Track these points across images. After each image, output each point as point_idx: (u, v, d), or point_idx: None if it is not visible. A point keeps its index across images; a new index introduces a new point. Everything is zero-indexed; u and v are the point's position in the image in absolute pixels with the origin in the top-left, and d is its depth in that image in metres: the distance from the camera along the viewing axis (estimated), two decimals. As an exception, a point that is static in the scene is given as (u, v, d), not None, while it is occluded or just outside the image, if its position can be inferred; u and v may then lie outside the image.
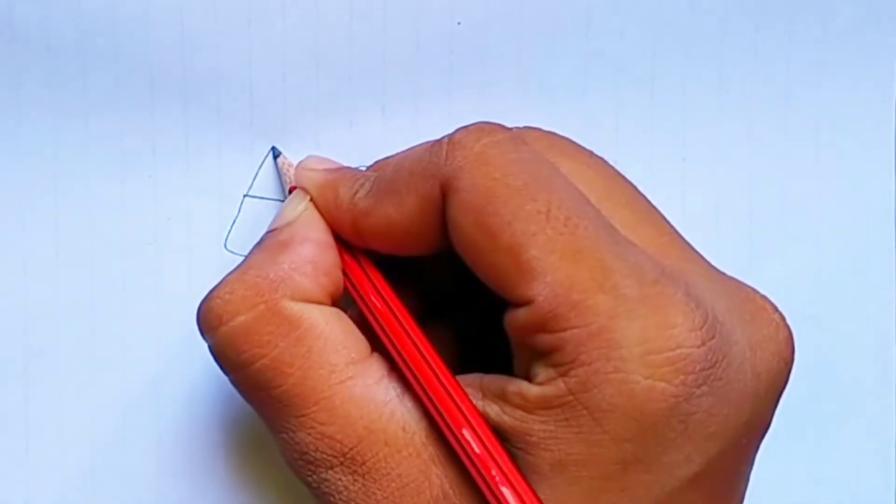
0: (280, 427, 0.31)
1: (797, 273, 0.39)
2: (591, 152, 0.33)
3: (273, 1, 0.35)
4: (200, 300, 0.31)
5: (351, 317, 0.32)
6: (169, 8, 0.35)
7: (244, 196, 0.36)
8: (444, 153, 0.30)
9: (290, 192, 0.34)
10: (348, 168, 0.34)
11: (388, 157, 0.35)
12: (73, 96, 0.35)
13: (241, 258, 0.36)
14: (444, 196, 0.30)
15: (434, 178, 0.30)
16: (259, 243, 0.33)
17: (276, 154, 0.36)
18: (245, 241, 0.36)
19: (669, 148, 0.38)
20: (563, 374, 0.28)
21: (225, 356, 0.31)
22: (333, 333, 0.31)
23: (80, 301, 0.36)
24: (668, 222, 0.32)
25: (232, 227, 0.36)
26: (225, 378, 0.36)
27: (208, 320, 0.31)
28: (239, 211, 0.36)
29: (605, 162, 0.33)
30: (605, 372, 0.28)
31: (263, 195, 0.36)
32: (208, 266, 0.36)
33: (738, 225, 0.39)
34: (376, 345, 0.31)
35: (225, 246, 0.36)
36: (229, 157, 0.36)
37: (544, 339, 0.28)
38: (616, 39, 0.37)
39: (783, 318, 0.31)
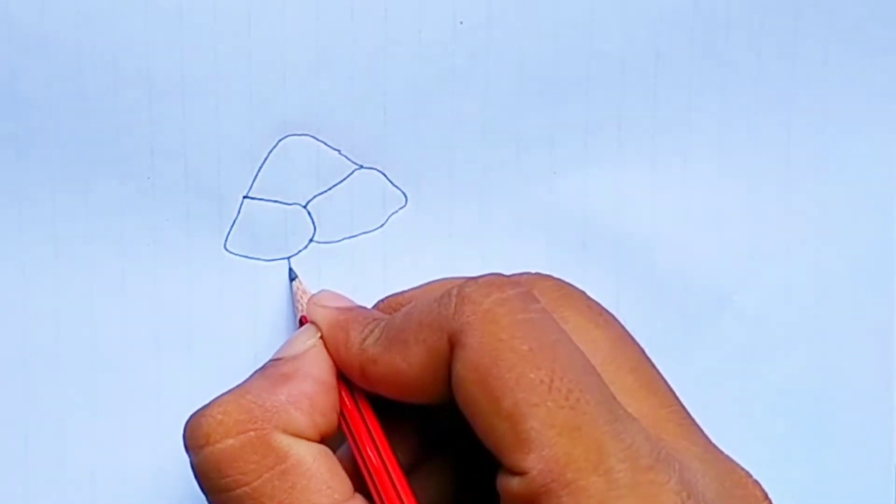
0: None
1: (799, 274, 0.39)
2: (601, 309, 0.33)
3: (273, 1, 0.35)
4: (190, 414, 0.31)
5: (338, 454, 0.31)
6: (168, 8, 0.34)
7: (243, 197, 0.36)
8: (452, 306, 0.30)
9: (301, 320, 0.34)
10: (360, 309, 0.34)
11: (396, 294, 0.35)
12: (71, 96, 0.35)
13: (241, 259, 0.36)
14: (451, 349, 0.30)
15: (442, 331, 0.30)
16: (262, 369, 0.32)
17: (291, 277, 0.36)
18: (244, 242, 0.36)
19: (672, 149, 0.38)
20: None
21: (207, 477, 0.30)
22: (319, 472, 0.30)
23: (80, 302, 0.36)
24: (670, 391, 0.32)
25: (231, 228, 0.36)
26: (230, 378, 0.36)
27: (196, 437, 0.31)
28: (238, 212, 0.36)
29: (614, 320, 0.32)
30: None
31: (263, 196, 0.36)
32: (207, 267, 0.36)
33: (740, 226, 0.39)
34: (359, 486, 0.31)
35: (224, 247, 0.36)
36: (228, 157, 0.36)
37: None
38: (619, 40, 0.37)
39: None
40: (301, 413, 0.31)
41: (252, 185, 0.36)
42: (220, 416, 0.30)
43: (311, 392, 0.32)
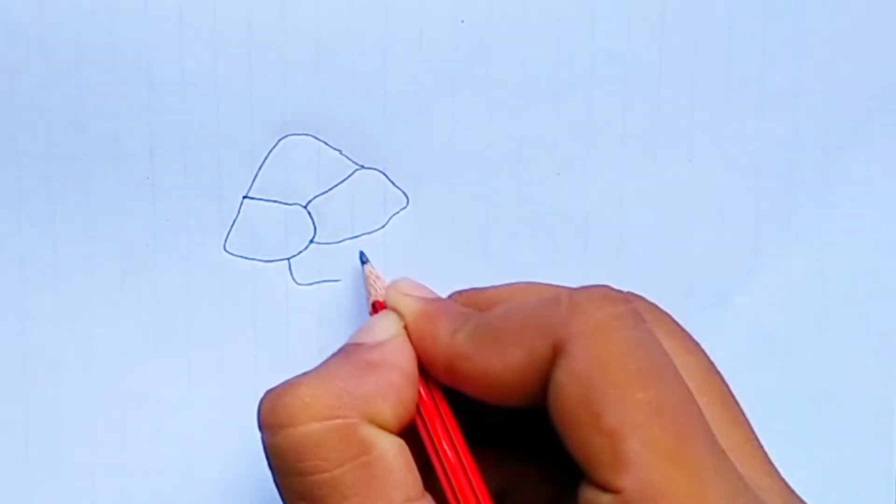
0: None
1: (803, 273, 0.39)
2: (689, 335, 0.32)
3: (273, 1, 0.35)
4: (267, 390, 0.30)
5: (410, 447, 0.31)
6: (168, 8, 0.34)
7: (243, 198, 0.36)
8: (563, 312, 0.29)
9: (374, 305, 0.34)
10: (446, 300, 0.33)
11: (475, 290, 0.34)
12: (71, 97, 0.34)
13: (240, 259, 0.36)
14: (554, 356, 0.29)
15: (548, 336, 0.29)
16: (344, 353, 0.31)
17: (363, 260, 0.36)
18: (244, 242, 0.36)
19: (676, 148, 0.38)
20: None
21: (283, 458, 0.29)
22: (398, 467, 0.29)
23: (79, 302, 0.36)
24: (751, 426, 0.31)
25: (231, 228, 0.36)
26: (230, 378, 0.36)
27: (278, 416, 0.29)
28: (238, 212, 0.36)
29: (702, 349, 0.32)
30: None
31: (263, 196, 0.36)
32: (207, 268, 0.36)
33: (744, 225, 0.38)
34: (429, 483, 0.30)
35: (224, 248, 0.36)
36: (228, 158, 0.36)
37: None
38: (623, 38, 0.37)
39: None
40: (387, 404, 0.30)
41: (252, 185, 0.36)
42: (307, 399, 0.29)
43: (398, 384, 0.31)
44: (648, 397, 0.28)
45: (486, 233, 0.37)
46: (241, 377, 0.36)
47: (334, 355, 0.31)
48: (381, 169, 0.36)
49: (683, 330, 0.32)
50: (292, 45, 0.35)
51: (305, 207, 0.36)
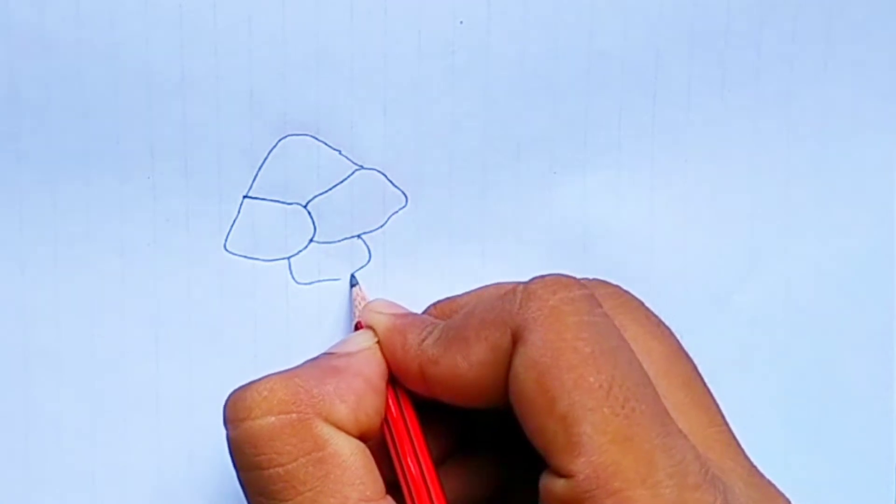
0: None
1: (798, 273, 0.39)
2: (658, 321, 0.33)
3: (273, 1, 0.35)
4: (232, 390, 0.31)
5: (371, 450, 0.31)
6: (168, 8, 0.34)
7: (243, 197, 0.36)
8: (517, 301, 0.30)
9: (356, 326, 0.35)
10: (416, 315, 0.34)
11: (448, 299, 0.35)
12: (72, 96, 0.35)
13: (241, 259, 0.36)
14: (513, 346, 0.29)
15: (505, 327, 0.30)
16: (313, 360, 0.32)
17: (353, 283, 0.36)
18: (244, 241, 0.36)
19: (672, 148, 0.38)
20: None
21: (241, 452, 0.30)
22: (354, 466, 0.30)
23: (80, 302, 0.36)
24: (718, 410, 0.32)
25: (231, 228, 0.36)
26: (230, 378, 0.36)
27: (236, 410, 0.30)
28: (238, 212, 0.36)
29: (671, 333, 0.32)
30: None
31: (263, 196, 0.36)
32: (207, 267, 0.36)
33: (740, 226, 0.39)
34: (392, 493, 0.31)
35: (224, 247, 0.36)
36: (228, 157, 0.36)
37: None
38: (619, 39, 0.37)
39: None
40: (346, 406, 0.31)
41: (252, 184, 0.36)
42: (265, 393, 0.30)
43: (360, 389, 0.31)
44: (600, 381, 0.28)
45: (484, 232, 0.37)
46: (240, 376, 0.36)
47: (305, 362, 0.32)
48: (381, 169, 0.36)
49: (652, 315, 0.33)
50: (292, 45, 0.35)
51: (305, 207, 0.36)
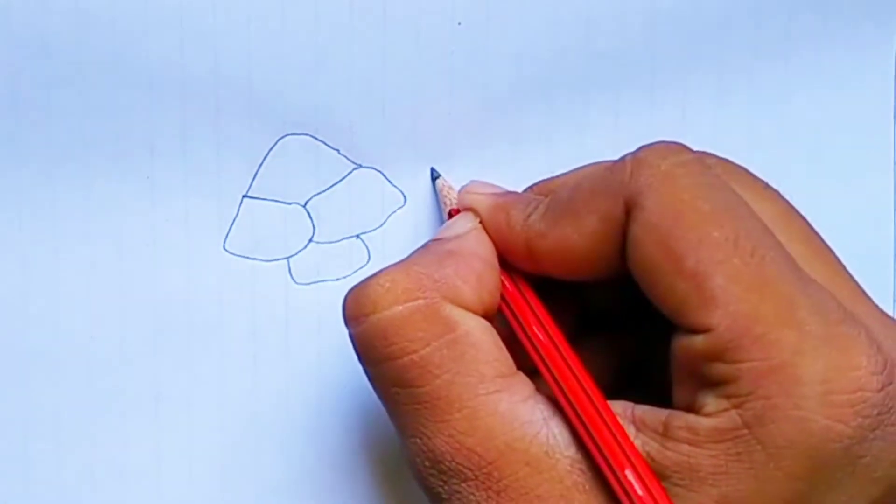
0: (414, 430, 0.30)
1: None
2: (765, 183, 0.32)
3: (273, 1, 0.35)
4: (350, 288, 0.30)
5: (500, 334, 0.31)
6: (168, 8, 0.35)
7: (243, 197, 0.36)
8: (628, 171, 0.30)
9: (450, 214, 0.34)
10: (516, 192, 0.34)
11: (548, 179, 0.34)
12: (71, 97, 0.35)
13: (240, 258, 0.36)
14: (627, 214, 0.29)
15: (618, 196, 0.29)
16: (423, 247, 0.32)
17: (434, 176, 0.36)
18: (244, 241, 0.36)
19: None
20: (738, 406, 0.27)
21: (371, 346, 0.30)
22: (486, 344, 0.30)
23: (79, 302, 0.35)
24: (840, 262, 0.31)
25: (231, 227, 0.36)
26: (230, 378, 0.36)
27: (362, 305, 0.30)
28: (238, 212, 0.36)
29: (780, 194, 0.32)
30: (785, 408, 0.27)
31: (262, 196, 0.36)
32: (207, 267, 0.36)
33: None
34: (522, 366, 0.31)
35: (224, 247, 0.36)
36: (228, 157, 0.36)
37: (719, 369, 0.28)
38: (616, 40, 0.37)
39: None
40: (468, 286, 0.31)
41: (251, 184, 0.36)
42: (387, 284, 0.30)
43: (478, 268, 0.31)
44: (725, 234, 0.28)
45: (483, 231, 0.37)
46: (240, 376, 0.36)
47: (414, 252, 0.32)
48: (379, 168, 0.37)
49: (759, 180, 0.32)
50: (292, 45, 0.35)
51: (304, 206, 0.36)
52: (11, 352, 0.35)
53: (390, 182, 0.37)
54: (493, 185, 0.34)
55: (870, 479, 0.28)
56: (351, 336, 0.31)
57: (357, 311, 0.30)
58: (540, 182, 0.35)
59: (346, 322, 0.31)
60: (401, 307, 0.30)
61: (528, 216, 0.32)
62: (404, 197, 0.37)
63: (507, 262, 0.32)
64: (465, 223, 0.33)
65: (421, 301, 0.30)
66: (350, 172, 0.36)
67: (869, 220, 0.39)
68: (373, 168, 0.36)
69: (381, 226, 0.37)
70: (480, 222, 0.33)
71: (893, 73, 0.39)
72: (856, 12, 0.38)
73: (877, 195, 0.39)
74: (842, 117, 0.39)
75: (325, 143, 0.36)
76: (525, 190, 0.35)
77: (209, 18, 0.35)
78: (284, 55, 0.35)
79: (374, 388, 0.31)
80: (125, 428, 0.36)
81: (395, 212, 0.37)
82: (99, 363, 0.36)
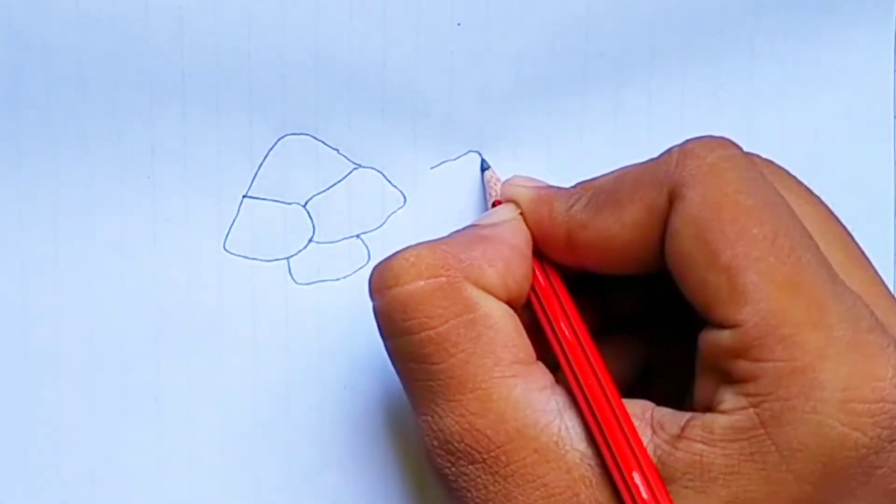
0: (427, 408, 0.30)
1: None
2: (808, 189, 0.32)
3: (273, 1, 0.35)
4: (377, 262, 0.31)
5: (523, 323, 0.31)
6: (168, 8, 0.35)
7: (243, 197, 0.36)
8: (674, 161, 0.30)
9: (493, 205, 0.34)
10: (560, 186, 0.34)
11: (591, 179, 0.34)
12: (72, 96, 0.35)
13: (240, 258, 0.36)
14: (670, 205, 0.29)
15: (662, 186, 0.29)
16: (457, 231, 0.32)
17: (484, 167, 0.36)
18: (244, 241, 0.36)
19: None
20: (756, 406, 0.27)
21: (391, 318, 0.30)
22: (506, 329, 0.30)
23: (80, 302, 0.36)
24: (878, 274, 0.31)
25: (231, 227, 0.36)
26: (230, 378, 0.36)
27: (385, 278, 0.30)
28: (238, 212, 0.36)
29: (822, 201, 0.32)
30: (803, 411, 0.27)
31: (262, 196, 0.36)
32: (207, 267, 0.36)
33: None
34: (542, 356, 0.31)
35: (224, 247, 0.36)
36: (228, 157, 0.36)
37: (742, 367, 0.28)
38: (615, 40, 0.37)
39: None
40: (494, 271, 0.31)
41: (251, 184, 0.36)
42: (412, 259, 0.30)
43: (507, 255, 0.31)
44: (764, 231, 0.28)
45: (483, 231, 0.37)
46: (240, 376, 0.36)
47: (450, 234, 0.32)
48: (379, 168, 0.37)
49: (803, 185, 0.32)
50: (292, 45, 0.35)
51: (304, 206, 0.36)
52: (11, 352, 0.35)
53: (390, 182, 0.37)
54: (536, 180, 0.35)
55: (883, 490, 0.28)
56: (374, 311, 0.31)
57: (380, 283, 0.30)
58: (583, 182, 0.35)
59: (370, 294, 0.31)
60: (423, 282, 0.30)
61: (571, 207, 0.32)
62: (404, 197, 0.37)
63: (543, 255, 0.33)
64: (504, 213, 0.33)
65: (443, 278, 0.30)
66: (350, 172, 0.36)
67: (869, 221, 0.39)
68: (373, 168, 0.37)
69: (381, 226, 0.37)
70: (521, 214, 0.33)
71: (893, 72, 0.39)
72: (853, 11, 0.38)
73: (877, 195, 0.39)
74: (841, 117, 0.39)
75: (325, 143, 0.36)
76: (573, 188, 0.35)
77: (209, 18, 0.35)
78: (284, 55, 0.35)
79: (392, 362, 0.31)
80: (125, 428, 0.36)
81: (395, 212, 0.37)
82: (99, 363, 0.36)
